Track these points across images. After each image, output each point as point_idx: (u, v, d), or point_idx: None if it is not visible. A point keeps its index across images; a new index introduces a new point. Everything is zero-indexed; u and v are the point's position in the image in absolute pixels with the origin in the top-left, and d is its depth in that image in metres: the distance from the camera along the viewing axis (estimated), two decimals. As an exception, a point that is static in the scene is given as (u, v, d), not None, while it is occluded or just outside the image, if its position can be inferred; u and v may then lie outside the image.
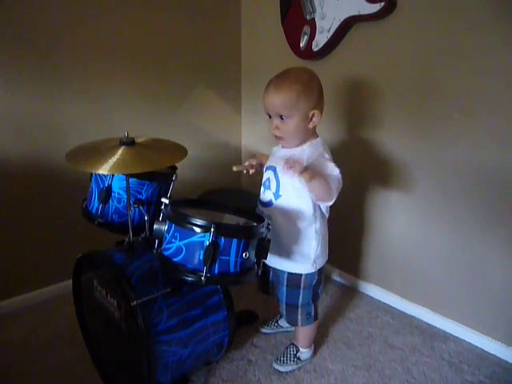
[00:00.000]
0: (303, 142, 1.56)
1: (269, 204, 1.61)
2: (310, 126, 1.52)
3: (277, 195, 1.59)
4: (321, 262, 1.65)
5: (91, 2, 2.08)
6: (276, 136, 1.55)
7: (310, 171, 1.38)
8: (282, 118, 1.50)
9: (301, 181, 1.42)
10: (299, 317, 1.71)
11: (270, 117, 1.54)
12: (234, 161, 2.90)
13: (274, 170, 1.60)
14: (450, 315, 2.06)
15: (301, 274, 1.64)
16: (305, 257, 1.61)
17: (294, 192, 1.54)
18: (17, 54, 1.92)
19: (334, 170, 1.49)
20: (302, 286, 1.66)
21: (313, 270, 1.63)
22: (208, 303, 1.56)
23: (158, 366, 1.42)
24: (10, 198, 2.04)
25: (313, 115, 1.50)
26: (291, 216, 1.56)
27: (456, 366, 1.86)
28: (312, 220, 1.58)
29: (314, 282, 1.68)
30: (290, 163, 1.36)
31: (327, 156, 1.54)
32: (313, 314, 1.72)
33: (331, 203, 1.52)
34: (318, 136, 1.60)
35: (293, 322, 1.75)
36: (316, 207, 1.57)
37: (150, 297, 1.39)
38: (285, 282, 1.68)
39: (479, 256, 1.90)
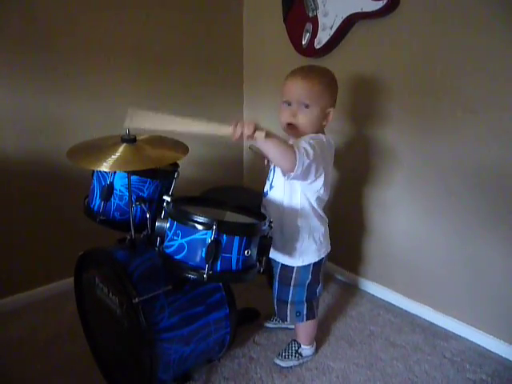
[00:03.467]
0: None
1: (265, 194, 1.67)
2: (324, 122, 1.56)
3: (271, 186, 1.63)
4: (310, 259, 1.65)
5: (95, 2, 2.08)
6: (288, 125, 1.54)
7: (264, 131, 1.26)
8: (304, 107, 1.51)
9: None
10: (288, 313, 1.72)
11: (289, 104, 1.53)
12: (236, 158, 2.90)
13: None
14: (452, 313, 2.06)
15: (292, 268, 1.65)
16: (292, 249, 1.62)
17: (283, 183, 1.55)
18: (18, 52, 1.91)
19: (301, 143, 1.40)
20: (292, 283, 1.67)
21: (300, 264, 1.64)
22: (210, 301, 1.56)
23: (160, 364, 1.42)
24: (11, 195, 2.04)
25: (329, 113, 1.54)
26: (280, 207, 1.59)
27: (458, 364, 1.86)
28: (300, 214, 1.59)
29: (308, 281, 1.68)
30: (239, 126, 1.23)
31: (307, 139, 1.45)
32: (304, 312, 1.72)
33: (292, 170, 1.35)
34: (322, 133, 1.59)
35: (282, 317, 1.76)
36: (306, 201, 1.58)
37: (152, 294, 1.39)
38: (277, 278, 1.70)
39: (481, 254, 1.89)
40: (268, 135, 1.27)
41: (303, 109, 1.51)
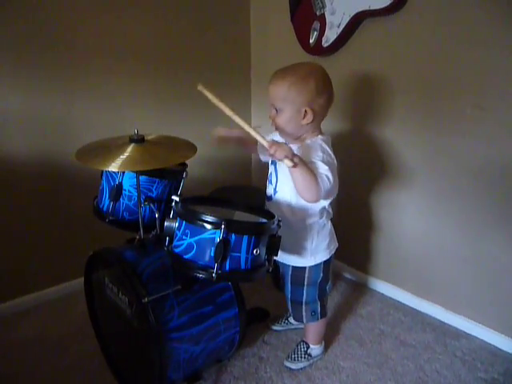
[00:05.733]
0: (301, 137, 1.54)
1: (270, 198, 1.65)
2: (303, 122, 1.48)
3: (275, 190, 1.61)
4: (321, 257, 1.64)
5: (102, 2, 2.08)
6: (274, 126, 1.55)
7: (295, 159, 1.31)
8: (276, 110, 1.50)
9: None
10: (304, 313, 1.71)
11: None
12: (244, 158, 2.89)
13: (274, 164, 1.62)
14: (463, 312, 2.04)
15: (304, 268, 1.65)
16: (303, 249, 1.62)
17: (290, 188, 1.52)
18: (27, 53, 1.93)
19: (321, 168, 1.41)
20: (305, 282, 1.66)
21: (313, 263, 1.64)
22: (219, 300, 1.56)
23: (170, 363, 1.42)
24: (21, 196, 2.06)
25: (306, 112, 1.46)
26: (287, 210, 1.57)
27: (469, 363, 1.84)
28: (308, 214, 1.58)
29: (320, 279, 1.68)
30: (275, 147, 1.30)
31: (320, 154, 1.46)
32: (318, 311, 1.72)
33: (314, 201, 1.44)
34: (320, 133, 1.56)
35: (298, 318, 1.76)
36: (314, 204, 1.56)
37: (162, 294, 1.39)
38: (289, 279, 1.69)
39: (491, 252, 1.88)
40: (296, 165, 1.31)
41: (276, 112, 1.51)
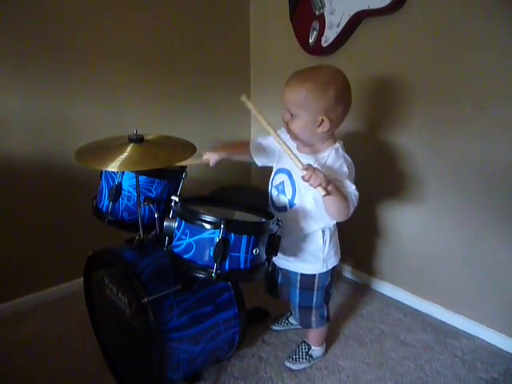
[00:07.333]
0: (314, 145, 1.50)
1: (283, 210, 1.57)
2: (319, 131, 1.43)
3: (292, 203, 1.54)
4: (332, 262, 1.64)
5: (102, 3, 2.08)
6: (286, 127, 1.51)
7: (329, 187, 1.28)
8: (291, 116, 1.45)
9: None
10: (313, 318, 1.69)
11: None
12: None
13: (289, 174, 1.54)
14: (463, 312, 2.04)
15: (314, 275, 1.63)
16: (315, 257, 1.60)
17: (312, 202, 1.50)
18: (28, 54, 1.92)
19: (350, 187, 1.40)
20: (315, 287, 1.65)
21: (324, 270, 1.62)
22: (219, 300, 1.56)
23: (169, 363, 1.42)
24: (20, 196, 2.05)
25: (322, 120, 1.41)
26: (305, 222, 1.54)
27: (469, 363, 1.84)
28: (326, 226, 1.57)
29: (327, 283, 1.67)
30: (309, 173, 1.27)
31: (345, 170, 1.44)
32: (325, 315, 1.71)
33: (343, 220, 1.44)
34: (336, 141, 1.52)
35: (306, 324, 1.73)
36: None
37: (161, 294, 1.39)
38: (298, 284, 1.66)
39: (492, 252, 1.88)
40: (330, 194, 1.29)
41: (291, 117, 1.45)
